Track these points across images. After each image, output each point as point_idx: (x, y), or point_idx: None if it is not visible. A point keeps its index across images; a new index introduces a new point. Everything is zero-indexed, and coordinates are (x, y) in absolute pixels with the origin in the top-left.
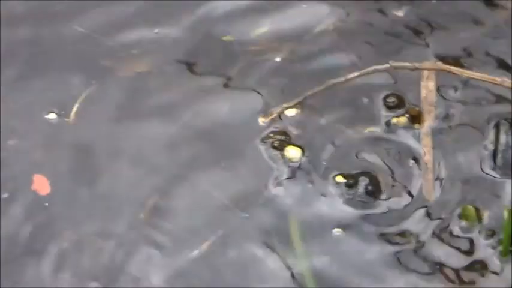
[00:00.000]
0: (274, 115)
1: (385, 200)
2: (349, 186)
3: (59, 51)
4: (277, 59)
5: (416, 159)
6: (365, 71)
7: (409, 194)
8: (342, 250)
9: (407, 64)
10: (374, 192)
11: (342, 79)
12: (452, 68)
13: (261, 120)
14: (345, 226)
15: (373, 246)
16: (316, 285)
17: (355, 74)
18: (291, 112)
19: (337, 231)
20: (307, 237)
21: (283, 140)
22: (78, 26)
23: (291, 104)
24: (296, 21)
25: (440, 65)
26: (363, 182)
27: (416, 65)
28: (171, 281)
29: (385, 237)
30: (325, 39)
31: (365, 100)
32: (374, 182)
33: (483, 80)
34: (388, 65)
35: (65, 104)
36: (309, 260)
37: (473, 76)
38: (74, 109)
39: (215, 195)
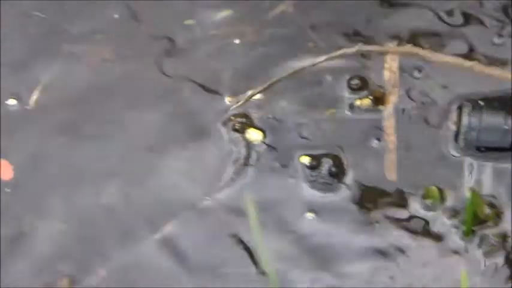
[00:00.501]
0: (241, 102)
1: (349, 181)
2: (312, 168)
3: (19, 36)
4: (237, 41)
5: (379, 140)
6: (333, 54)
7: (372, 174)
8: (305, 232)
9: (376, 47)
10: (338, 173)
11: (310, 63)
12: (421, 52)
13: (228, 100)
14: (308, 208)
15: (339, 228)
16: (276, 268)
17: (323, 58)
18: (255, 96)
19: (303, 213)
20: (269, 220)
21: (245, 123)
22: (40, 13)
23: (258, 90)
24: (256, 3)
25: (410, 48)
26: (326, 164)
27: (386, 47)
28: (132, 264)
29: (347, 218)
30: (286, 20)
31: (328, 82)
32: (337, 163)
33: (451, 63)
34: (356, 48)
35: (25, 90)
36: (268, 242)
37: (442, 59)
38: (34, 96)
39: (175, 178)
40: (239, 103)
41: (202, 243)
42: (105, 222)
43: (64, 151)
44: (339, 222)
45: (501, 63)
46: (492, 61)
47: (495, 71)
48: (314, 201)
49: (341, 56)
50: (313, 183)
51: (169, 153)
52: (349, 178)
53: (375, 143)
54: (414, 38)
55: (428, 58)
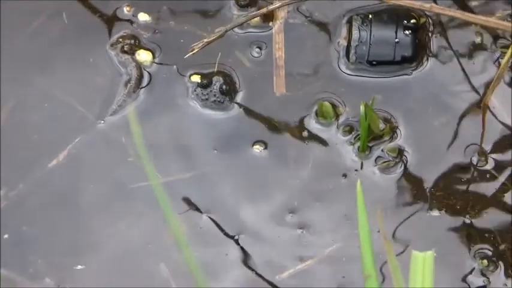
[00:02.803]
0: (196, 50)
1: (240, 98)
2: (203, 86)
3: None
4: None
5: (268, 56)
6: None
7: (263, 90)
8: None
9: None
10: (229, 91)
11: None
12: None
13: (126, 10)
14: (202, 127)
15: (227, 152)
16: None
17: None
18: (143, 17)
19: (197, 131)
20: (162, 140)
21: (134, 44)
22: None
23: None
24: None
25: None
26: (217, 82)
27: None
28: (30, 191)
29: (238, 141)
30: None
31: (216, 1)
32: (228, 81)
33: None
34: None
35: None
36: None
37: None
38: None
39: (68, 102)
40: (194, 51)
41: (99, 166)
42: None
43: None
44: (231, 139)
45: None
46: None
47: None
48: (208, 120)
49: None
50: (205, 102)
51: (58, 78)
52: (239, 96)
53: (263, 59)
54: None
55: None
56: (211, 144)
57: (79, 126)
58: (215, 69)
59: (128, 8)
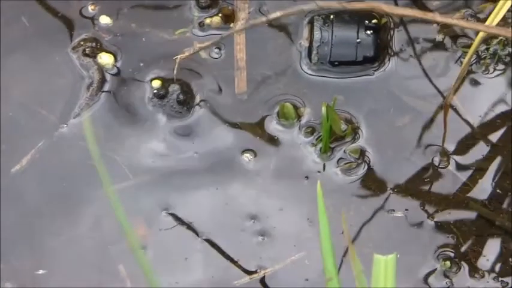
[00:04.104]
0: (186, 55)
1: (199, 101)
2: (160, 97)
3: None
4: None
5: (229, 58)
6: None
7: (225, 94)
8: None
9: None
10: (186, 100)
11: None
12: None
13: (91, 8)
14: (160, 129)
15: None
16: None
17: None
18: (104, 20)
19: (158, 136)
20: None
21: (95, 47)
22: None
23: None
24: None
25: None
26: (175, 92)
27: None
28: None
29: (199, 143)
30: None
31: (176, 1)
32: (185, 89)
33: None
34: None
35: None
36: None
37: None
38: None
39: (30, 106)
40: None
41: (62, 170)
42: None
43: None
44: (193, 141)
45: None
46: None
47: None
48: (168, 123)
49: None
50: (164, 109)
51: (19, 82)
52: (199, 99)
53: (224, 61)
54: None
55: None
56: (172, 147)
57: (42, 130)
58: (174, 73)
59: (92, 7)
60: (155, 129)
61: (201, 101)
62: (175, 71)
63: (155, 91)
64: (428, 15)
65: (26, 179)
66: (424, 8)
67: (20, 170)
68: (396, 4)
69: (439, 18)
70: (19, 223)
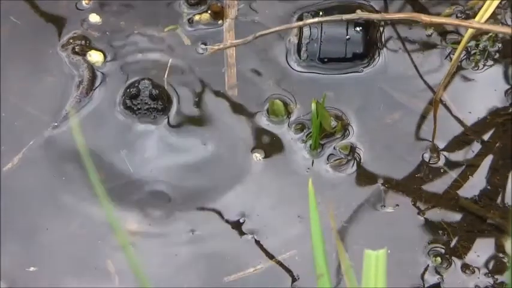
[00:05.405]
0: (215, 50)
1: (189, 97)
2: (132, 97)
3: None
4: None
5: (219, 55)
6: None
7: (213, 91)
8: (137, 155)
9: None
10: (160, 93)
11: None
12: None
13: (85, 2)
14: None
15: (175, 152)
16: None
17: None
18: (94, 18)
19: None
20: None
21: (84, 45)
22: None
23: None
24: None
25: None
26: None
27: None
28: None
29: (189, 140)
30: None
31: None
32: (156, 83)
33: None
34: None
35: None
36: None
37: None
38: None
39: (20, 105)
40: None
41: (53, 168)
42: None
43: None
44: (181, 139)
45: None
46: None
47: None
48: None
49: None
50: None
51: (10, 83)
52: (189, 94)
53: (213, 57)
54: None
55: None
56: (162, 144)
57: (33, 129)
58: (166, 75)
59: (86, 1)
60: (144, 126)
61: (190, 97)
62: (166, 74)
63: (128, 90)
64: (464, 23)
65: (18, 177)
66: (415, 5)
67: (12, 168)
68: (386, 3)
69: (476, 25)
70: (9, 220)
